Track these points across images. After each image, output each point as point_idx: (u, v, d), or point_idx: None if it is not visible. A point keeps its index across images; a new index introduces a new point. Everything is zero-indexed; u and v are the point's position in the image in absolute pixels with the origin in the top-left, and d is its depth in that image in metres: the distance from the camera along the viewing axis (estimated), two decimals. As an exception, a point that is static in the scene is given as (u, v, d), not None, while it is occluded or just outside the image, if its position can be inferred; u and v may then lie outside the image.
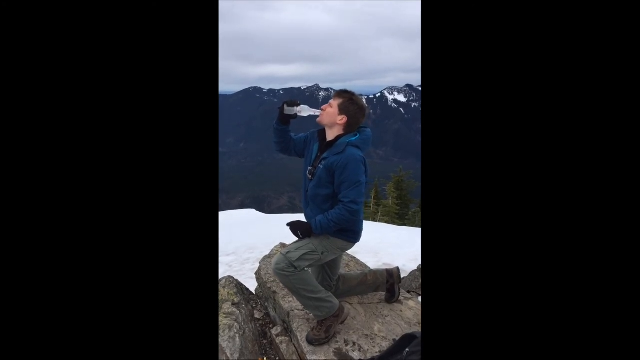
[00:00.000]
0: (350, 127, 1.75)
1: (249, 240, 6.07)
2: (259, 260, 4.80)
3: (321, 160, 1.74)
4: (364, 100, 1.83)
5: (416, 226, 11.75)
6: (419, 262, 4.16)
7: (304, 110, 1.80)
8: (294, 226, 1.75)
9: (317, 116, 1.79)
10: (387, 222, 12.89)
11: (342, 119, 1.73)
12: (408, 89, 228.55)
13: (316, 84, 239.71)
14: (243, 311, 2.25)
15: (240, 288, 2.50)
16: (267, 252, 5.26)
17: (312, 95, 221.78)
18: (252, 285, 3.87)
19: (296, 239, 1.80)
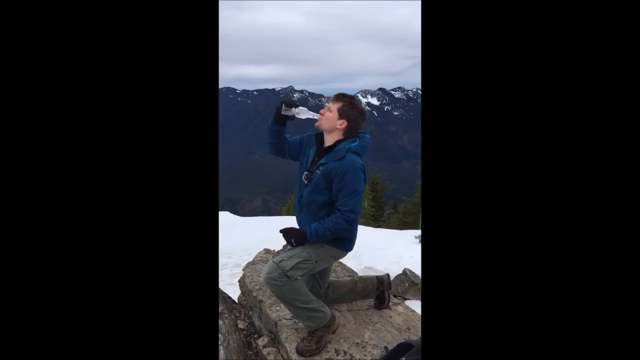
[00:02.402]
0: (350, 132, 1.70)
1: (225, 244, 5.90)
2: (238, 265, 4.67)
3: (319, 166, 1.68)
4: None
5: (391, 228, 11.88)
6: (400, 264, 4.16)
7: (302, 113, 1.74)
8: (287, 233, 1.68)
9: (315, 120, 1.73)
10: (362, 224, 12.96)
11: (342, 124, 1.68)
12: (381, 92, 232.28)
13: (290, 86, 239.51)
14: (226, 321, 2.15)
15: (223, 296, 2.40)
16: (244, 257, 5.14)
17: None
18: (232, 291, 3.75)
19: (284, 246, 1.74)
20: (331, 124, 1.69)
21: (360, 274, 3.83)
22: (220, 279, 4.11)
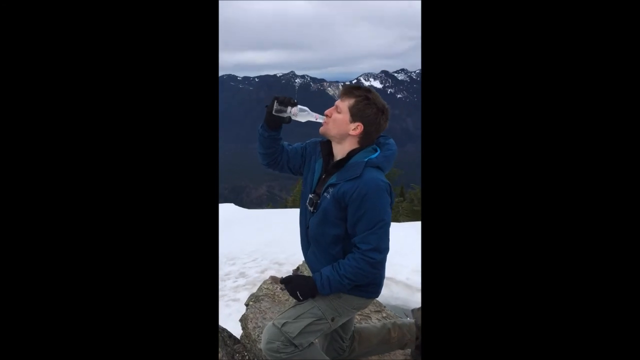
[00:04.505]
0: (367, 139, 1.25)
1: (229, 247, 5.51)
2: (242, 275, 4.27)
3: (327, 187, 1.23)
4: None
5: (401, 219, 11.44)
6: (424, 273, 3.76)
7: (301, 114, 1.27)
8: (290, 284, 1.25)
9: (320, 124, 1.27)
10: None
11: (356, 128, 1.22)
12: (384, 75, 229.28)
13: (292, 71, 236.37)
14: (226, 374, 1.75)
15: (221, 336, 1.99)
16: (249, 264, 4.73)
17: (287, 83, 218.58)
18: (235, 310, 3.34)
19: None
20: (341, 129, 1.23)
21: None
22: (222, 293, 3.72)
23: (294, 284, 1.24)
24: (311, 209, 1.28)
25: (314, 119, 1.29)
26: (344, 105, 1.23)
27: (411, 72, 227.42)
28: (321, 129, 1.27)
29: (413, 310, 2.90)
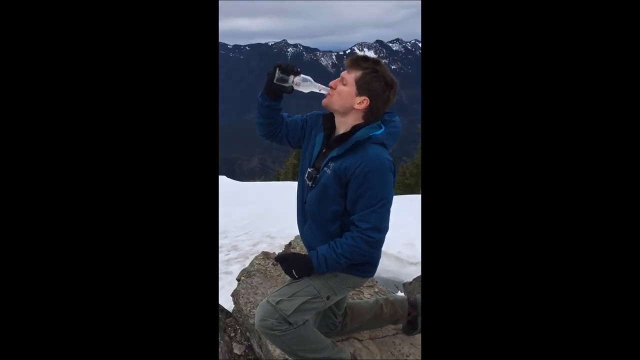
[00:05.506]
0: (373, 114, 1.19)
1: (221, 219, 5.48)
2: (235, 249, 4.27)
3: (328, 162, 1.19)
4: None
5: (394, 192, 11.50)
6: (415, 247, 3.78)
7: (304, 84, 1.21)
8: (285, 262, 1.22)
9: (324, 95, 1.21)
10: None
11: (361, 102, 1.16)
12: (378, 45, 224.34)
13: (284, 40, 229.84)
14: (219, 349, 1.75)
15: (214, 311, 1.99)
16: (242, 237, 4.73)
17: (280, 52, 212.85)
18: (228, 282, 3.35)
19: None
20: (346, 103, 1.17)
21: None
22: (214, 266, 3.72)
23: (289, 262, 1.22)
24: (310, 183, 1.24)
25: (317, 90, 1.23)
26: (350, 77, 1.17)
27: (406, 43, 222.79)
28: (324, 101, 1.21)
29: (404, 284, 2.93)
